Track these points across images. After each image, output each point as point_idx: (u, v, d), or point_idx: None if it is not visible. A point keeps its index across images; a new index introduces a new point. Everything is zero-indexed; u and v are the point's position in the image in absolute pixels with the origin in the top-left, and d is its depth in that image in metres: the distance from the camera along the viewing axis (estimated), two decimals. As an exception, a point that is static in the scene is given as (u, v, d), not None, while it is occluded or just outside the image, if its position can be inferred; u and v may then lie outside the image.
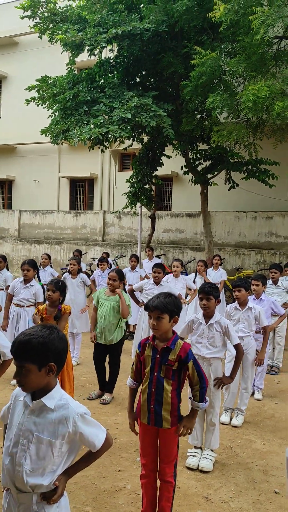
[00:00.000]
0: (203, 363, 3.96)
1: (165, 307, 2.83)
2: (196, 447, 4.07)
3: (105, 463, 3.86)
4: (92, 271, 12.63)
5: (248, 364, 5.00)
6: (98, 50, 9.69)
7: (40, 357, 1.88)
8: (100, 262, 8.88)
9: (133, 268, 8.87)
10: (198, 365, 2.97)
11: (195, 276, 8.85)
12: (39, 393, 1.95)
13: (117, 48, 10.54)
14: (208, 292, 3.89)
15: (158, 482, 3.03)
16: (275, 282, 6.89)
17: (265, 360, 5.91)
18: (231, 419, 4.98)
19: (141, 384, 3.06)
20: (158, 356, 2.90)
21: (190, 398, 3.06)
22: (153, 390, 2.91)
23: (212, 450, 4.01)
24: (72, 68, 11.05)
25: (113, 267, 10.63)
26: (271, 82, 8.04)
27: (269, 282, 6.98)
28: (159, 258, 14.01)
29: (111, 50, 10.91)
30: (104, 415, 4.92)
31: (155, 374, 2.90)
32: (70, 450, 1.99)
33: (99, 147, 11.07)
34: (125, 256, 15.48)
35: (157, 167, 12.12)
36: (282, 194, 14.38)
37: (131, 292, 6.56)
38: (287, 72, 9.62)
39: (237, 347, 4.11)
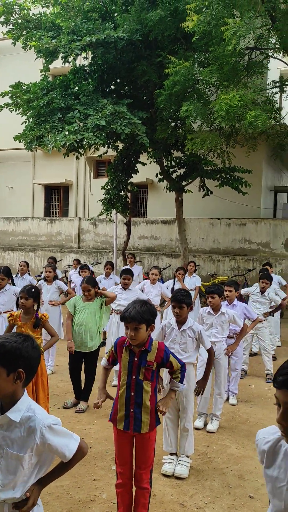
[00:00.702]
0: None
1: (142, 318, 2.83)
2: (171, 454, 4.07)
3: (80, 473, 3.81)
4: (67, 278, 12.54)
5: (221, 369, 5.06)
6: (72, 57, 9.72)
7: (10, 361, 1.84)
8: (81, 269, 8.80)
9: (107, 275, 8.85)
10: (174, 355, 3.09)
11: (174, 283, 8.88)
12: (6, 405, 1.90)
13: (91, 55, 10.59)
14: (180, 300, 3.90)
15: (134, 489, 3.01)
16: (262, 291, 6.97)
17: (239, 365, 5.98)
18: (205, 424, 5.01)
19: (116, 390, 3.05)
20: (135, 359, 2.91)
21: (170, 380, 3.13)
22: (132, 394, 2.91)
23: (187, 456, 4.02)
24: (46, 74, 11.04)
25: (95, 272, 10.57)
26: (243, 92, 8.21)
27: (256, 289, 7.04)
28: (140, 264, 14.04)
29: (85, 58, 10.95)
30: (80, 424, 4.87)
31: (134, 377, 2.91)
32: (42, 461, 1.95)
33: (74, 154, 11.04)
34: (100, 263, 15.43)
35: (132, 174, 12.18)
36: (255, 202, 14.66)
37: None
38: (259, 83, 9.90)
39: (209, 350, 4.17)
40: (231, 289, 5.78)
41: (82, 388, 5.49)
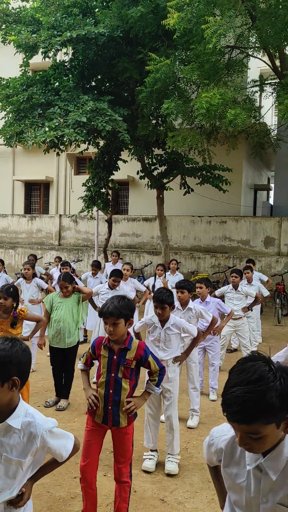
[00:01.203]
0: None
1: (120, 312, 2.84)
2: (152, 450, 4.09)
3: (61, 471, 3.80)
4: (48, 275, 12.44)
5: (191, 363, 5.10)
6: (52, 52, 9.62)
7: (2, 371, 1.79)
8: (63, 266, 8.72)
9: (94, 274, 8.81)
10: (155, 357, 3.09)
11: (155, 280, 8.90)
12: (3, 413, 1.87)
13: (72, 51, 10.51)
14: (163, 301, 3.88)
15: (115, 485, 3.02)
16: (235, 287, 7.00)
17: (216, 360, 6.02)
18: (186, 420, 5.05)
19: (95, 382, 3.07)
20: (115, 357, 2.91)
21: (147, 381, 3.11)
22: (111, 391, 2.91)
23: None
24: (26, 70, 10.89)
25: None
26: (223, 90, 8.27)
27: (229, 287, 7.08)
28: (123, 261, 14.01)
29: (66, 53, 10.86)
30: (61, 422, 4.85)
31: (112, 375, 2.91)
32: (36, 459, 1.97)
33: (54, 150, 10.95)
34: (81, 260, 15.36)
35: (114, 171, 12.16)
36: (235, 200, 14.81)
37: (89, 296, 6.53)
38: (239, 81, 9.98)
39: (197, 334, 4.27)
40: (201, 285, 5.80)
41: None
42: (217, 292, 7.15)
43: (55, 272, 9.63)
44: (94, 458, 3.01)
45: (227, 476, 1.55)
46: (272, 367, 1.32)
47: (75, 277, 6.36)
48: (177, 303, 5.09)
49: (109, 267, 10.45)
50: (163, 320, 4.03)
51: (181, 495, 3.58)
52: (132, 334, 3.99)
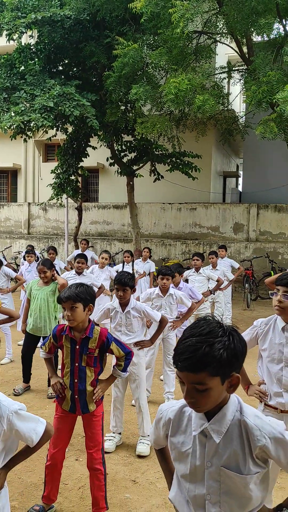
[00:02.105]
0: None
1: (77, 296, 2.81)
2: (114, 432, 4.14)
3: (32, 457, 3.75)
4: (18, 265, 12.26)
5: (169, 347, 5.16)
6: (17, 35, 9.36)
7: None
8: (27, 254, 8.60)
9: (52, 260, 8.73)
10: (119, 342, 3.07)
11: (123, 267, 8.91)
12: None
13: (38, 34, 10.24)
14: (124, 283, 3.89)
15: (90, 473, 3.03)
16: (197, 269, 7.12)
17: None
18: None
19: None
20: (77, 347, 2.90)
21: (114, 366, 3.11)
22: (76, 380, 2.90)
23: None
24: (-10, 53, 10.56)
25: (40, 259, 10.38)
26: (191, 75, 8.26)
27: (192, 270, 7.19)
28: (93, 249, 13.92)
29: (31, 36, 10.59)
30: (31, 410, 4.81)
31: (76, 364, 2.90)
32: (8, 447, 1.95)
33: (21, 137, 10.71)
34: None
35: (83, 158, 12.01)
36: (204, 186, 14.92)
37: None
38: (207, 67, 9.99)
39: (160, 321, 4.23)
40: (175, 274, 5.86)
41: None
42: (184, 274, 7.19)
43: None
44: (63, 445, 3.02)
45: (173, 446, 1.60)
46: (222, 325, 1.43)
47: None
48: (158, 290, 5.12)
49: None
50: (124, 304, 4.04)
51: (152, 475, 3.64)
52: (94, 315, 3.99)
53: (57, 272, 5.99)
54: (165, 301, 5.09)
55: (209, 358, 1.35)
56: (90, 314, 2.94)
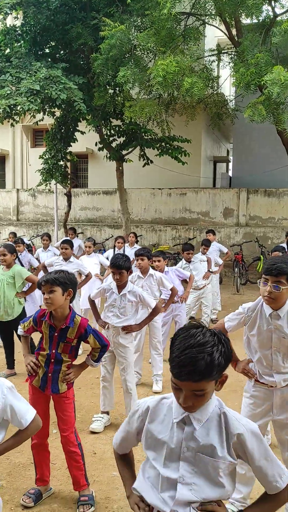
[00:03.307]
0: (113, 332, 4.05)
1: (56, 280, 2.81)
2: (103, 412, 4.18)
3: (21, 439, 3.82)
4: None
5: (155, 331, 5.19)
6: (1, 16, 9.17)
7: None
8: (16, 243, 8.44)
9: (45, 247, 8.68)
10: (97, 334, 3.02)
11: (114, 253, 8.88)
12: None
13: (23, 15, 10.03)
14: (120, 266, 3.90)
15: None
16: (188, 260, 7.11)
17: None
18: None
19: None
20: (55, 334, 2.91)
21: (88, 355, 3.11)
22: (52, 360, 2.93)
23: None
24: (-26, 35, 10.33)
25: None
26: (180, 58, 8.17)
27: (183, 262, 7.15)
28: (77, 237, 13.85)
29: (16, 18, 10.36)
30: (20, 392, 4.86)
31: (53, 351, 2.92)
32: (0, 426, 1.97)
33: (8, 121, 10.55)
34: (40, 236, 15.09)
35: (71, 143, 11.88)
36: (194, 171, 14.88)
37: (44, 268, 6.47)
38: (195, 49, 9.88)
39: (154, 307, 4.23)
40: (159, 259, 5.82)
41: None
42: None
43: (41, 253, 9.11)
44: (44, 423, 3.02)
45: (150, 434, 1.64)
46: (213, 332, 1.50)
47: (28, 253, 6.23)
48: (137, 271, 5.14)
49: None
50: (121, 286, 4.05)
51: (140, 454, 3.68)
52: (87, 303, 4.00)
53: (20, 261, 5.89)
54: (146, 282, 5.10)
55: (211, 367, 1.43)
56: (70, 300, 2.92)
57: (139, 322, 4.27)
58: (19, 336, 3.31)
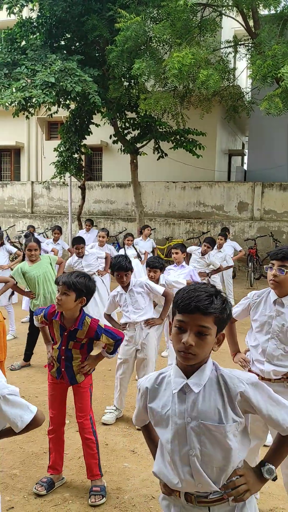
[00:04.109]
0: (135, 329, 4.07)
1: (73, 285, 2.81)
2: (116, 407, 4.22)
3: (34, 428, 3.88)
4: (21, 244, 12.27)
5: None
6: (17, 8, 9.19)
7: None
8: (26, 237, 8.51)
9: (56, 240, 8.73)
10: (109, 331, 3.01)
11: (124, 250, 8.86)
12: None
13: (39, 7, 10.03)
14: (125, 268, 3.95)
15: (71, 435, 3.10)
16: (203, 253, 7.08)
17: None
18: None
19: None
20: (65, 334, 2.95)
21: (103, 347, 3.12)
22: (63, 357, 2.98)
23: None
24: (-10, 27, 10.37)
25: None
26: (196, 50, 8.09)
27: (198, 250, 7.15)
28: (97, 228, 13.87)
29: (32, 10, 10.35)
30: (34, 384, 4.92)
31: (63, 348, 2.97)
32: None
33: (24, 114, 10.59)
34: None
35: (86, 136, 11.88)
36: (209, 165, 14.77)
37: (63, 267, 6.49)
38: (211, 41, 9.76)
39: (164, 295, 4.20)
40: (177, 251, 5.84)
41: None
42: (188, 249, 7.10)
43: (50, 244, 9.12)
44: (60, 410, 3.12)
45: (154, 412, 1.66)
46: (216, 288, 1.61)
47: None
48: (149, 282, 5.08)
49: (82, 235, 10.35)
50: (126, 286, 4.09)
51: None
52: (103, 320, 4.01)
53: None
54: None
55: (217, 305, 1.52)
56: (82, 306, 2.94)
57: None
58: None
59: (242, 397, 1.54)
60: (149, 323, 4.11)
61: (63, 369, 3.00)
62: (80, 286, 2.84)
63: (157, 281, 4.70)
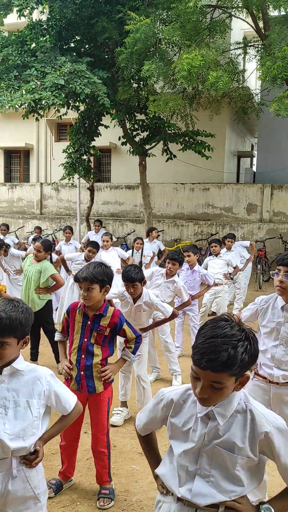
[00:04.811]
0: None
1: (95, 277, 2.80)
2: (122, 404, 4.22)
3: (42, 429, 3.89)
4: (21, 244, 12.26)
5: (165, 330, 5.10)
6: (28, 11, 9.23)
7: (21, 332, 1.91)
8: (34, 241, 8.47)
9: (67, 240, 8.76)
10: (130, 325, 3.07)
11: (132, 253, 8.87)
12: (7, 364, 1.94)
13: (49, 10, 10.08)
14: (133, 279, 3.76)
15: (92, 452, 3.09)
16: (216, 254, 7.05)
17: (196, 322, 6.07)
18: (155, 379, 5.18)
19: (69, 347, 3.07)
20: (89, 322, 2.89)
21: (124, 348, 3.12)
22: (83, 356, 2.90)
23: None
24: (1, 30, 10.43)
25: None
26: (205, 51, 8.08)
27: (211, 256, 7.12)
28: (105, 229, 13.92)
29: (42, 12, 10.42)
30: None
31: (85, 340, 2.89)
32: (45, 414, 2.01)
33: (33, 116, 10.65)
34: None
35: (95, 137, 11.91)
36: (218, 166, 14.73)
37: (62, 260, 6.49)
38: (221, 43, 9.75)
39: (172, 316, 4.15)
40: (189, 253, 5.81)
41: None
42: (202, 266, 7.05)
43: (63, 246, 9.16)
44: (75, 425, 2.91)
45: (174, 426, 1.65)
46: (242, 328, 1.47)
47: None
48: (163, 271, 5.09)
49: (91, 236, 10.38)
50: (136, 298, 3.97)
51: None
52: None
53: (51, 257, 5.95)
54: (165, 283, 5.06)
55: (233, 360, 1.41)
56: (106, 294, 2.94)
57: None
58: (56, 342, 3.31)
59: (266, 437, 1.52)
60: (142, 329, 4.05)
61: (82, 372, 2.89)
62: (101, 276, 2.83)
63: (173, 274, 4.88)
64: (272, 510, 1.57)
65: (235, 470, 1.52)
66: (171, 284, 5.07)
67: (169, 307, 4.17)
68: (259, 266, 11.13)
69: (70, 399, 2.08)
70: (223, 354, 1.40)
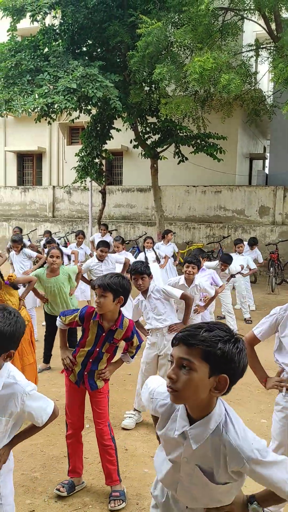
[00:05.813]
0: (157, 334, 4.07)
1: (108, 286, 2.82)
2: (135, 409, 4.20)
3: (54, 431, 3.90)
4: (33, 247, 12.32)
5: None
6: (40, 16, 9.33)
7: (4, 344, 1.87)
8: (48, 244, 8.44)
9: (79, 244, 8.80)
10: (138, 334, 3.13)
11: (144, 253, 8.87)
12: None
13: (61, 15, 10.17)
14: (141, 272, 3.94)
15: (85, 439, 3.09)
16: (239, 253, 7.15)
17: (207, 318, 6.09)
18: None
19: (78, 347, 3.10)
20: (103, 334, 2.95)
21: (125, 352, 3.16)
22: (90, 360, 3.00)
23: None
24: (14, 34, 10.55)
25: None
26: (217, 54, 8.07)
27: (217, 265, 7.03)
28: (110, 234, 13.96)
29: (55, 17, 10.51)
30: (54, 387, 4.95)
31: (97, 349, 2.97)
32: (15, 425, 2.02)
33: (46, 119, 10.74)
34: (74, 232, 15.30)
35: (107, 141, 11.96)
36: (230, 168, 14.67)
37: (82, 277, 6.52)
38: (233, 45, 9.72)
39: (184, 297, 4.16)
40: (193, 266, 5.78)
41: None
42: (205, 265, 6.95)
43: (74, 248, 9.19)
44: (79, 414, 3.13)
45: (160, 436, 1.66)
46: (233, 333, 1.44)
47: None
48: (183, 280, 5.07)
49: (97, 239, 10.41)
50: (145, 292, 4.08)
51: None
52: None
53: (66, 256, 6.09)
54: (190, 291, 5.05)
55: (210, 344, 1.37)
56: (120, 306, 2.94)
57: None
58: (52, 340, 3.39)
59: (244, 470, 1.46)
60: (172, 328, 4.08)
61: (86, 373, 3.00)
62: (116, 286, 2.84)
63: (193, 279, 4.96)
64: (261, 510, 1.55)
65: (215, 493, 1.51)
66: (195, 289, 5.09)
67: (177, 290, 4.24)
68: (271, 269, 11.05)
69: (44, 412, 2.02)
70: (198, 330, 1.40)
